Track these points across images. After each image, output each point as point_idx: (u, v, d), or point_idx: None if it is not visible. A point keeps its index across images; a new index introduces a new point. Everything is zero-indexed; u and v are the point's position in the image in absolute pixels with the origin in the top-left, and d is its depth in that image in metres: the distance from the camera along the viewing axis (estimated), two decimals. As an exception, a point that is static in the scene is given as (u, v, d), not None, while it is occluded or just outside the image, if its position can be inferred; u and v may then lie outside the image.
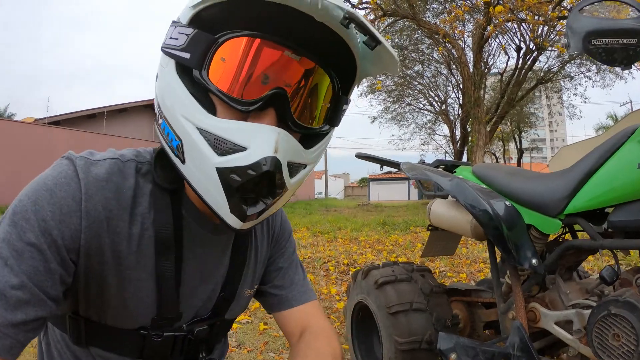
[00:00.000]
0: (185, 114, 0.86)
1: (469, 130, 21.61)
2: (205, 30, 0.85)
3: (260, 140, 0.82)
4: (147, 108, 26.23)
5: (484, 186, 2.15)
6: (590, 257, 5.83)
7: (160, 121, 0.95)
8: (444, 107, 27.92)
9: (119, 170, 0.95)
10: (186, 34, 0.86)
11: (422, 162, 2.80)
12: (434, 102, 28.18)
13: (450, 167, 2.65)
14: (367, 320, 2.79)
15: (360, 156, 3.13)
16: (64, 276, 0.87)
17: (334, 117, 0.99)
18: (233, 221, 0.88)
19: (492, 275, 2.24)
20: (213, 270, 1.12)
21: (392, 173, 59.30)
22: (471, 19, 17.23)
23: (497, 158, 42.53)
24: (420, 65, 25.25)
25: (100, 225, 0.90)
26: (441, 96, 27.80)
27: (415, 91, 27.85)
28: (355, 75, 0.98)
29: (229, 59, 0.85)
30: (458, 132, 26.16)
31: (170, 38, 0.89)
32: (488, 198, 1.98)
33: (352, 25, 0.81)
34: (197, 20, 0.86)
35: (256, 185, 0.84)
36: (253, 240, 1.22)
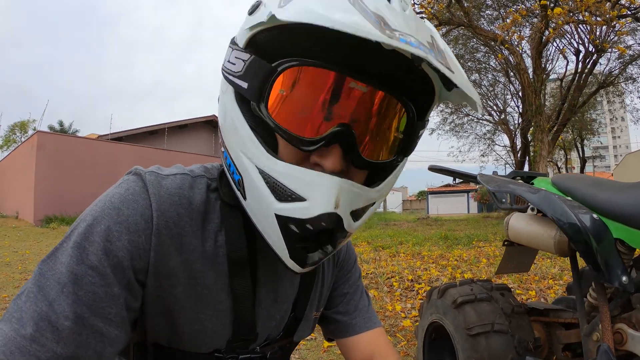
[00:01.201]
0: (245, 150, 0.81)
1: (529, 139, 21.16)
2: (263, 55, 0.78)
3: (320, 194, 0.76)
4: (206, 124, 27.03)
5: (568, 198, 2.02)
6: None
7: (222, 149, 0.91)
8: (503, 116, 27.48)
9: (190, 186, 0.92)
10: (243, 60, 0.80)
11: (496, 174, 2.67)
12: (492, 112, 27.77)
13: (526, 179, 2.51)
14: (441, 341, 2.68)
15: (434, 169, 3.01)
16: (130, 300, 0.82)
17: (407, 146, 0.89)
18: (292, 265, 0.84)
19: (575, 294, 2.09)
20: (286, 290, 1.07)
21: (451, 186, 58.88)
22: (527, 23, 16.94)
23: (558, 168, 41.56)
24: (477, 74, 24.95)
25: (172, 243, 0.85)
26: (500, 105, 27.45)
27: (474, 101, 27.49)
28: (433, 96, 0.87)
29: (289, 91, 0.78)
30: (519, 142, 25.61)
31: (229, 62, 0.84)
32: (575, 211, 1.85)
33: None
34: (254, 43, 0.81)
35: (316, 236, 0.81)
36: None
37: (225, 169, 0.91)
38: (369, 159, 0.82)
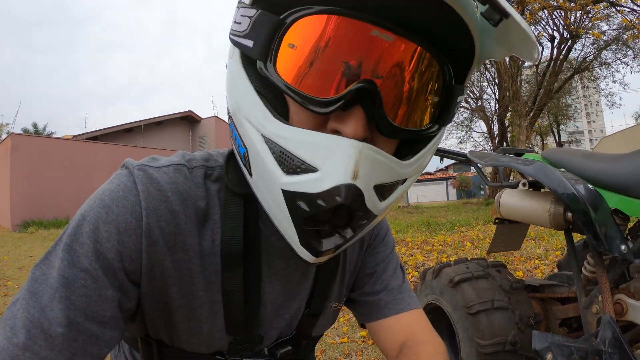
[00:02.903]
0: (249, 116, 0.70)
1: (507, 125, 21.37)
2: (271, 9, 0.67)
3: (335, 162, 0.63)
4: (182, 120, 27.03)
5: (562, 170, 1.99)
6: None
7: (229, 122, 0.79)
8: (480, 103, 27.65)
9: (186, 179, 0.82)
10: (249, 17, 0.69)
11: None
12: (469, 99, 27.93)
13: (515, 155, 2.48)
14: (438, 323, 2.64)
15: None
16: (124, 301, 0.76)
17: (444, 113, 0.75)
18: (304, 254, 0.71)
19: (572, 267, 2.08)
20: (297, 286, 0.97)
21: (429, 174, 59.29)
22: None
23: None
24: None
25: (165, 243, 0.77)
26: (476, 92, 27.55)
27: (450, 89, 27.71)
28: (473, 58, 0.73)
29: (300, 45, 0.66)
30: (496, 128, 25.90)
31: (235, 22, 0.73)
32: (571, 182, 1.84)
33: None
34: None
35: (331, 216, 0.67)
36: None
37: (233, 147, 0.80)
38: (397, 124, 0.69)
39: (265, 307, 0.92)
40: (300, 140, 0.65)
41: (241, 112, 0.72)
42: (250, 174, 0.74)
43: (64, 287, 0.69)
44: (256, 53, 0.68)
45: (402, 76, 0.68)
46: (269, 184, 0.69)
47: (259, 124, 0.68)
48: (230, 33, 0.74)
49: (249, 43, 0.68)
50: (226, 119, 0.80)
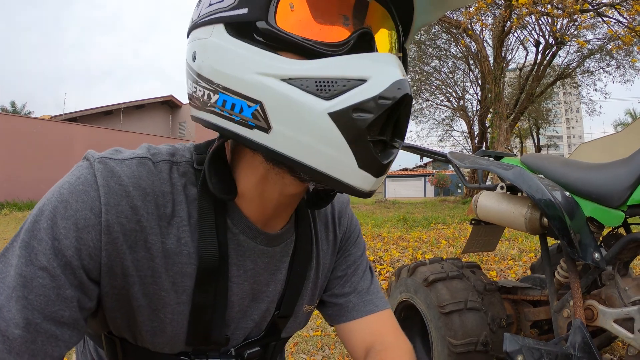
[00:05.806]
0: (262, 70, 0.68)
1: (487, 126, 21.52)
2: None
3: (385, 65, 0.68)
4: (163, 104, 26.68)
5: (540, 176, 2.02)
6: None
7: (216, 97, 0.74)
8: (461, 103, 27.75)
9: (149, 173, 0.79)
10: None
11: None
12: (451, 98, 28.04)
13: (495, 158, 2.50)
14: (411, 320, 2.67)
15: (403, 146, 2.98)
16: (84, 301, 0.74)
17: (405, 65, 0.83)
18: (363, 180, 0.70)
19: (545, 271, 2.11)
20: (266, 287, 0.95)
21: (408, 170, 59.50)
22: (489, 13, 17.20)
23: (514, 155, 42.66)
24: (437, 61, 25.17)
25: (126, 240, 0.75)
26: (459, 92, 27.69)
27: (433, 87, 27.72)
28: (410, 26, 0.85)
29: (299, 4, 0.71)
30: (476, 129, 26.01)
31: (210, 5, 0.76)
32: (549, 188, 1.86)
33: None
34: None
35: (387, 121, 0.69)
36: (314, 249, 1.04)
37: (224, 120, 0.74)
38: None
39: (232, 308, 0.90)
40: (341, 64, 0.68)
41: (246, 71, 0.70)
42: (267, 129, 0.70)
43: (22, 287, 0.67)
44: (255, 15, 0.69)
45: (378, 29, 0.80)
46: (308, 119, 0.67)
47: (279, 71, 0.68)
48: (203, 17, 0.77)
49: (242, 11, 0.70)
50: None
